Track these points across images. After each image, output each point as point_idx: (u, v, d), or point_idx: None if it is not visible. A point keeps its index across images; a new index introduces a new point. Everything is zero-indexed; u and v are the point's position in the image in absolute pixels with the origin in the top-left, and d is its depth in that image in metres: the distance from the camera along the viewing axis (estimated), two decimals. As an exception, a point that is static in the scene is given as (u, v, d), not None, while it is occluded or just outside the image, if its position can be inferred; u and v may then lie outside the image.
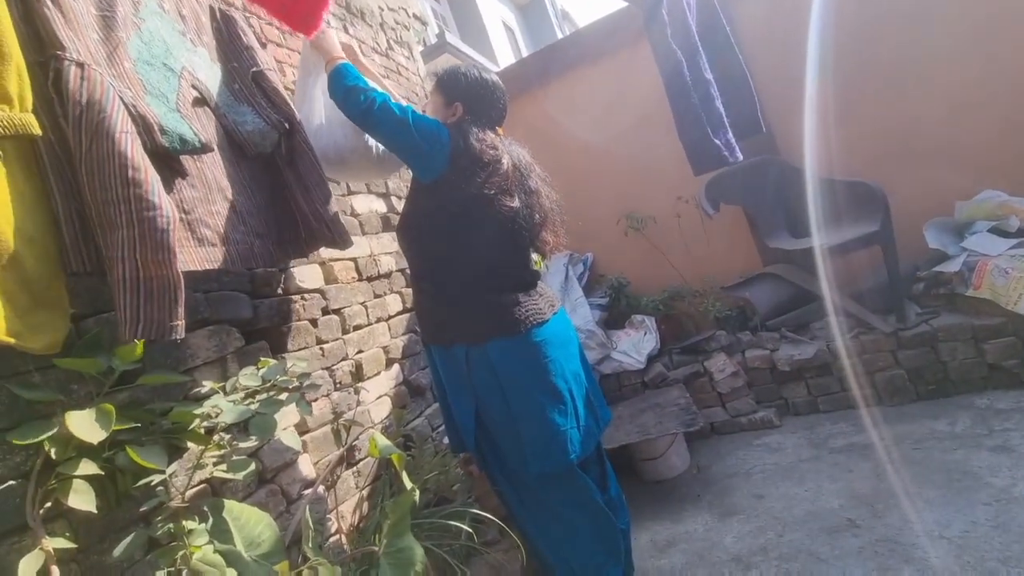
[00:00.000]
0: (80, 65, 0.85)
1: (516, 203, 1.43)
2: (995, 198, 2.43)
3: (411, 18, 3.71)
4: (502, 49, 9.49)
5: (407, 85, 3.12)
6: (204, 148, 1.05)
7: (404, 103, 1.43)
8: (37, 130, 0.80)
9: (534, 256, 1.61)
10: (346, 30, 2.75)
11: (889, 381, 2.40)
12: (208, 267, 1.06)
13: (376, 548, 0.96)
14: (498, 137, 1.51)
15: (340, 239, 1.43)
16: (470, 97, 1.49)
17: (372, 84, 1.46)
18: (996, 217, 2.39)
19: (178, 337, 0.88)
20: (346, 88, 1.42)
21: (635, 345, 2.91)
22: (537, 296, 1.49)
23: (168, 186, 1.01)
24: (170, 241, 0.86)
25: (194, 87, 1.17)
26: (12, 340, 0.75)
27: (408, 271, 2.27)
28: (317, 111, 1.58)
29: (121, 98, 0.89)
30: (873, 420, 2.33)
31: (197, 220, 1.06)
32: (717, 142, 1.67)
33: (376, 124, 1.41)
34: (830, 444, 2.27)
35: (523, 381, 1.40)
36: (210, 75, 1.28)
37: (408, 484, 1.04)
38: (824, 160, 2.74)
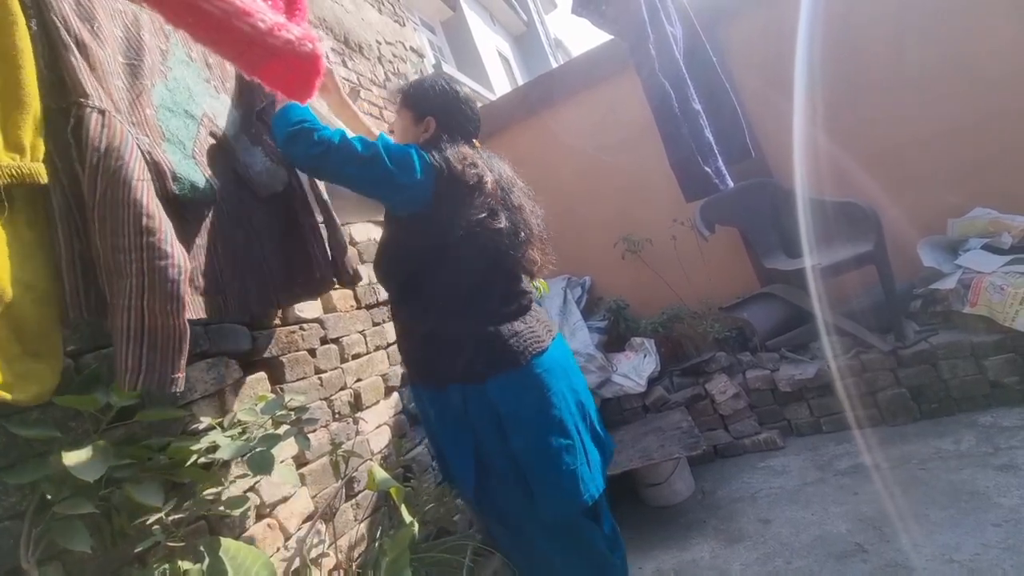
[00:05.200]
0: (102, 112, 0.88)
1: (503, 223, 1.31)
2: (987, 215, 2.46)
3: (408, 51, 3.81)
4: (498, 78, 9.67)
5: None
6: (213, 197, 1.07)
7: (371, 138, 1.30)
8: (45, 179, 0.82)
9: (532, 281, 1.49)
10: (345, 64, 2.82)
11: (891, 400, 2.39)
12: (201, 316, 1.06)
13: (375, 585, 0.95)
14: (476, 152, 1.38)
15: (350, 281, 1.43)
16: (442, 110, 1.38)
17: (325, 123, 1.28)
18: (989, 234, 2.41)
19: (177, 390, 0.87)
20: (288, 134, 1.22)
21: (635, 368, 2.90)
22: (534, 322, 1.37)
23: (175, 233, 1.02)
24: (180, 292, 0.86)
25: (211, 134, 1.18)
26: (4, 394, 0.75)
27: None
28: None
29: (138, 145, 0.91)
30: (877, 440, 2.31)
31: (196, 268, 1.07)
32: (707, 170, 1.69)
33: (337, 167, 1.22)
34: (835, 466, 2.25)
35: (528, 419, 1.28)
36: (230, 121, 1.29)
37: (407, 518, 1.02)
38: (816, 181, 2.78)
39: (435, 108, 1.38)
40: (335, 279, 1.45)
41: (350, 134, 1.26)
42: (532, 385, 1.29)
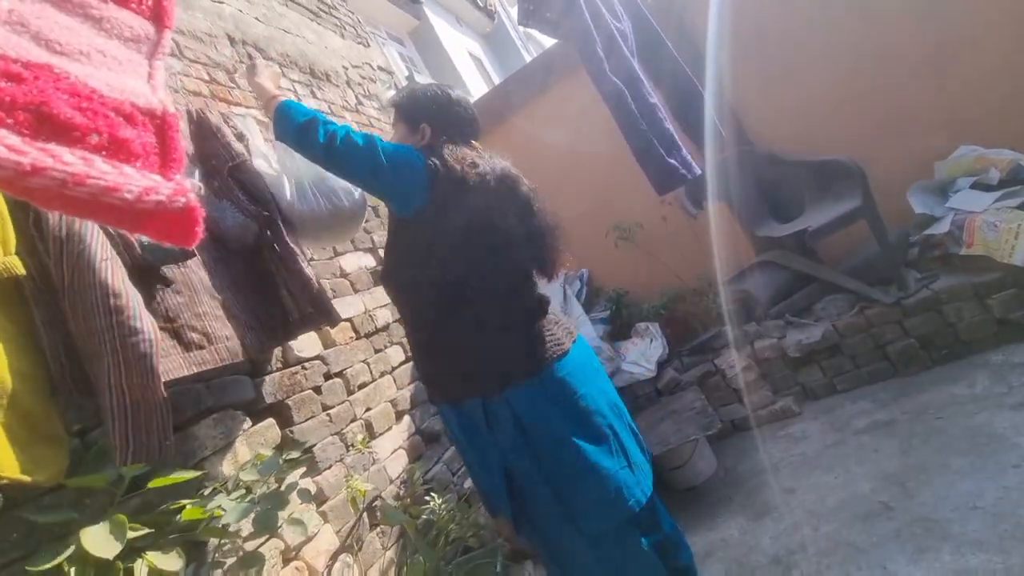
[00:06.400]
0: None
1: (509, 223, 1.26)
2: (972, 153, 2.44)
3: (376, 70, 3.81)
4: (473, 80, 9.65)
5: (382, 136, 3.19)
6: (185, 255, 1.09)
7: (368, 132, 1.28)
8: (22, 271, 0.84)
9: (549, 282, 1.41)
10: (314, 95, 2.83)
11: (901, 352, 2.38)
12: (198, 370, 1.09)
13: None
14: (476, 152, 1.35)
15: (328, 319, 1.44)
16: (435, 115, 1.36)
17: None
18: (976, 172, 2.39)
19: (167, 456, 0.91)
20: (298, 127, 1.25)
21: (643, 353, 2.90)
22: (552, 325, 1.29)
23: (151, 297, 1.05)
24: (153, 364, 0.89)
25: None
26: (26, 478, 0.78)
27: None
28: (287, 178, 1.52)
29: (96, 224, 0.93)
30: (892, 393, 2.30)
31: (184, 326, 1.09)
32: (672, 162, 1.69)
33: (341, 160, 1.23)
34: (853, 425, 2.24)
35: (555, 427, 1.21)
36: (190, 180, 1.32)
37: (424, 552, 1.04)
38: (798, 142, 2.76)
39: (428, 114, 1.37)
40: (317, 320, 1.47)
41: (356, 129, 1.27)
42: (555, 391, 1.22)
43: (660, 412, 2.61)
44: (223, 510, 0.97)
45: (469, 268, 1.24)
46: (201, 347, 1.11)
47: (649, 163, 1.73)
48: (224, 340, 1.16)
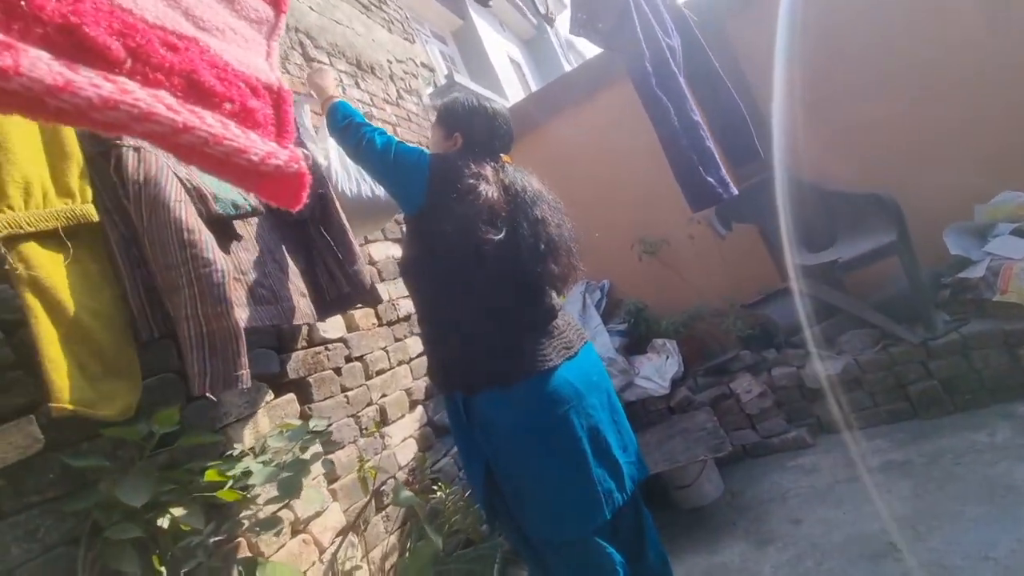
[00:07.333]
0: (136, 149, 0.97)
1: (499, 235, 1.28)
2: (1015, 199, 2.39)
3: (419, 67, 3.89)
4: (511, 84, 9.72)
5: (418, 131, 3.25)
6: (255, 211, 1.16)
7: (391, 136, 1.42)
8: (96, 218, 0.92)
9: (560, 295, 1.46)
10: (358, 85, 2.90)
11: (923, 393, 2.33)
12: (265, 324, 1.15)
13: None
14: (494, 166, 1.41)
15: (372, 299, 1.50)
16: (468, 126, 1.45)
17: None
18: (1017, 218, 2.34)
19: (244, 386, 0.95)
20: (339, 129, 1.46)
21: (658, 370, 2.89)
22: (545, 339, 1.32)
23: (225, 249, 1.11)
24: (226, 293, 0.94)
25: None
26: (83, 409, 0.83)
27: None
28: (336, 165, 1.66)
29: (175, 173, 0.99)
30: (910, 435, 2.26)
31: (255, 281, 1.16)
32: (710, 179, 1.70)
33: (364, 159, 1.42)
34: (867, 463, 2.21)
35: (519, 440, 1.26)
36: None
37: (432, 536, 1.06)
38: (834, 172, 2.74)
39: (462, 125, 1.46)
40: (359, 300, 1.52)
41: (389, 132, 1.44)
42: (526, 405, 1.25)
43: (670, 430, 2.60)
44: (251, 471, 1.01)
45: (466, 273, 1.30)
46: (269, 303, 1.17)
47: (687, 179, 1.75)
48: (287, 301, 1.23)
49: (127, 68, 0.45)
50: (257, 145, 0.53)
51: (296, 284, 1.35)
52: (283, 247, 1.36)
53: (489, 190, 1.32)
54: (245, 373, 0.99)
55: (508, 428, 1.26)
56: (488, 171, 1.37)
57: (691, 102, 1.78)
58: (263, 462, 1.06)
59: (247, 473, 1.01)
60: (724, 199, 1.77)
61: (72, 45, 0.41)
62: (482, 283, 1.31)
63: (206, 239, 0.99)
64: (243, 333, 1.00)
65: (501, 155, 1.50)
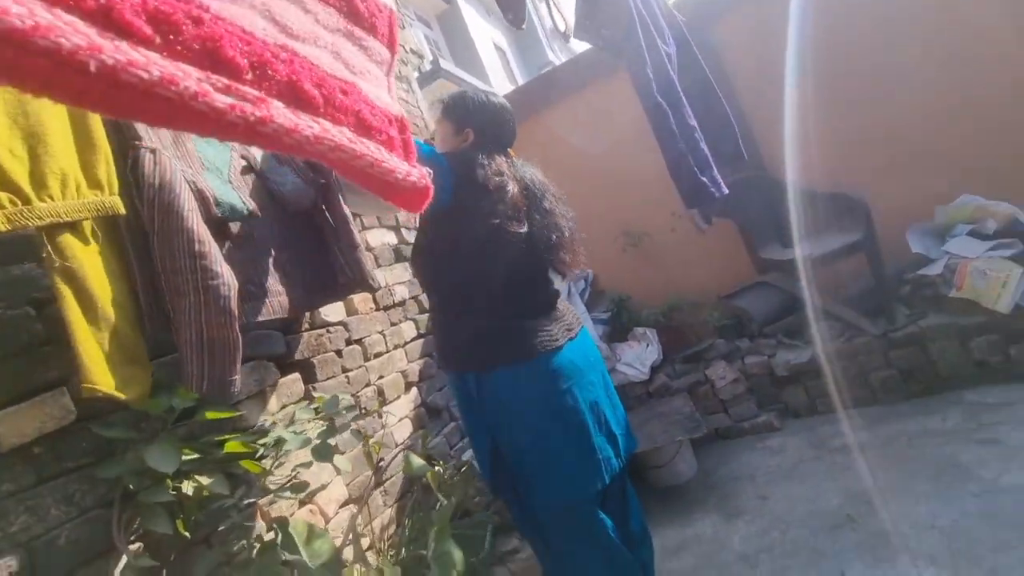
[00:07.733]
0: (153, 151, 1.00)
1: (524, 228, 1.39)
2: (972, 202, 2.56)
3: (408, 53, 3.89)
4: (495, 71, 9.68)
5: (408, 117, 3.28)
6: (251, 215, 1.20)
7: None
8: (123, 210, 0.95)
9: (563, 280, 1.55)
10: (350, 72, 2.92)
11: (883, 381, 2.52)
12: (252, 319, 1.20)
13: (425, 552, 1.09)
14: (507, 160, 1.48)
15: (369, 286, 1.56)
16: (480, 122, 1.48)
17: None
18: (974, 220, 2.52)
19: (235, 391, 1.01)
20: None
21: (638, 357, 3.03)
22: (551, 322, 1.43)
23: (220, 249, 1.15)
24: (231, 306, 1.00)
25: (243, 157, 1.33)
26: (119, 394, 0.89)
27: (420, 298, 2.42)
28: None
29: (184, 177, 1.03)
30: (869, 419, 2.44)
31: (244, 279, 1.20)
32: (703, 179, 1.82)
33: None
34: (829, 444, 2.38)
35: (530, 412, 1.36)
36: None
37: (443, 498, 1.16)
38: (808, 172, 2.88)
39: (473, 120, 1.49)
40: (358, 286, 1.58)
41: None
42: (536, 381, 1.36)
43: (649, 413, 2.74)
44: (284, 439, 1.08)
45: (482, 262, 1.39)
46: (258, 299, 1.22)
47: (682, 178, 1.86)
48: (277, 295, 1.28)
49: (323, 111, 0.60)
50: (401, 167, 0.66)
51: (294, 276, 1.39)
52: (283, 240, 1.39)
53: (513, 187, 1.40)
54: (237, 379, 1.04)
55: (520, 402, 1.36)
56: (506, 167, 1.44)
57: (687, 108, 1.89)
58: (293, 432, 1.13)
59: (280, 441, 1.08)
60: (717, 198, 1.89)
61: (294, 97, 0.56)
62: (500, 271, 1.39)
63: (215, 252, 1.03)
64: (241, 343, 1.04)
65: (509, 149, 1.55)
